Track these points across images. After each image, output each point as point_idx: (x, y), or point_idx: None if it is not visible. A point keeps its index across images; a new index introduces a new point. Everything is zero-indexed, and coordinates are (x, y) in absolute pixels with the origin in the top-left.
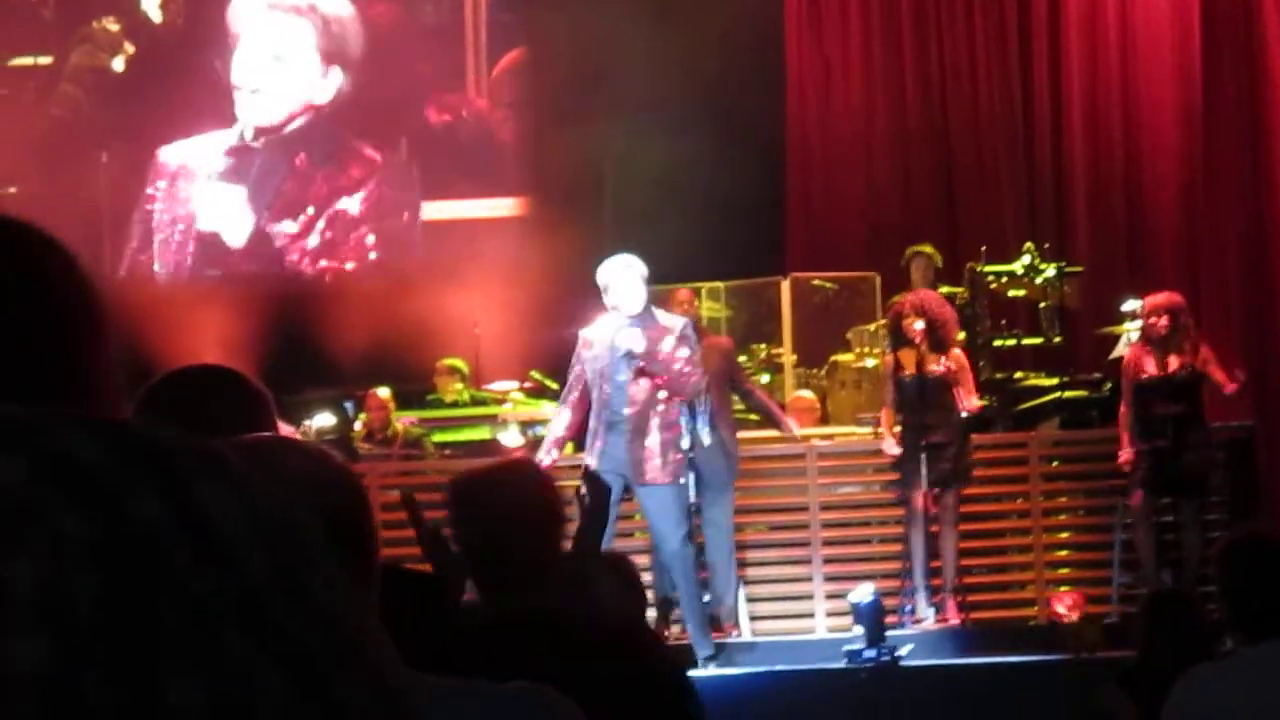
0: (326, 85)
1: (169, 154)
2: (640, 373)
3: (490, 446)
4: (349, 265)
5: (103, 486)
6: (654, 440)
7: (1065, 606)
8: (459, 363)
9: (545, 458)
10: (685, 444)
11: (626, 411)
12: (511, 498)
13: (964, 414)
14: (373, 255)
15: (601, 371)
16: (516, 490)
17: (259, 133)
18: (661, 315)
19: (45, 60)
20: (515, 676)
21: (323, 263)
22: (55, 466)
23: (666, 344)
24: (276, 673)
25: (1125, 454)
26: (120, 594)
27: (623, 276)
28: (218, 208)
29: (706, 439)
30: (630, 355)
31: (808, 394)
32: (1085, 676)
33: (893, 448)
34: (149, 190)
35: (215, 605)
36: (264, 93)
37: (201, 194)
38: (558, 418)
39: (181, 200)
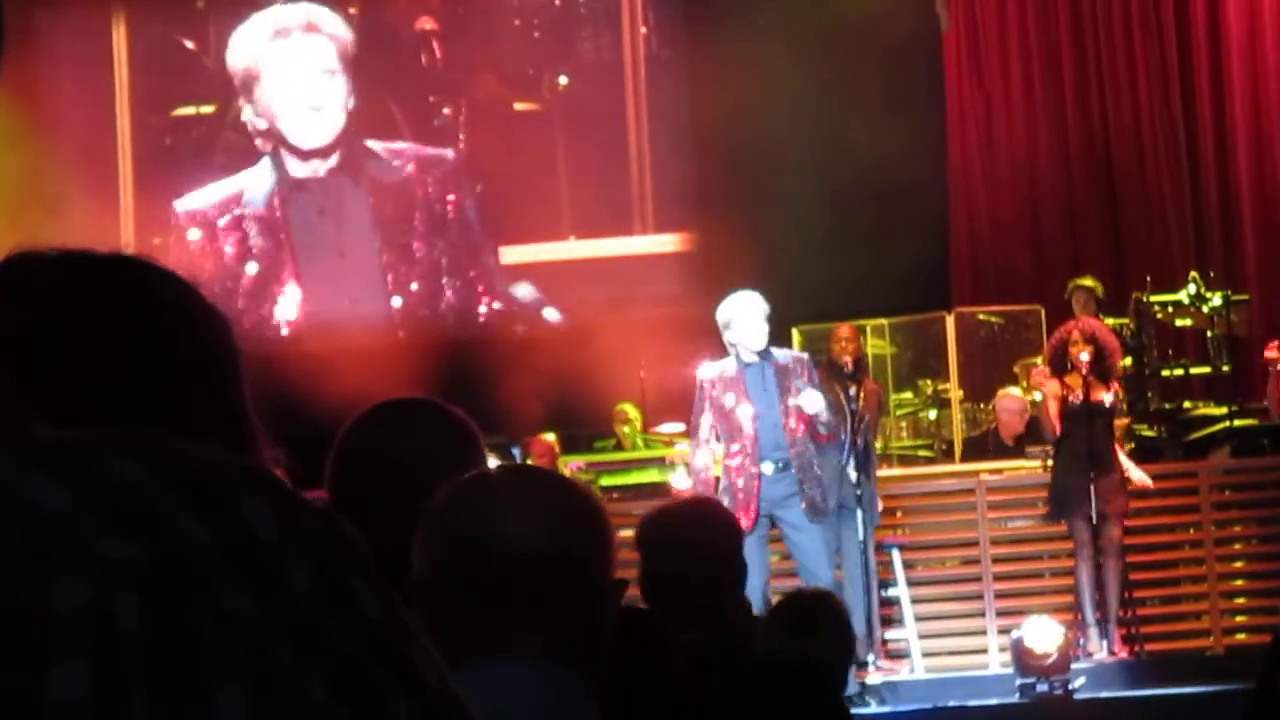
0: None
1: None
2: (806, 421)
3: (659, 489)
4: (496, 306)
5: (146, 509)
6: (809, 479)
7: None
8: (632, 408)
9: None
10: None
11: (789, 453)
12: (699, 534)
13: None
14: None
15: (734, 411)
16: (704, 527)
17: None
18: (782, 352)
19: (208, 109)
20: (703, 707)
21: (482, 307)
22: (99, 491)
23: (799, 381)
24: (326, 688)
25: None
26: (165, 615)
27: (745, 312)
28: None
29: (855, 478)
30: (817, 419)
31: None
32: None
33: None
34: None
35: (262, 623)
36: (325, 109)
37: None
38: (700, 456)
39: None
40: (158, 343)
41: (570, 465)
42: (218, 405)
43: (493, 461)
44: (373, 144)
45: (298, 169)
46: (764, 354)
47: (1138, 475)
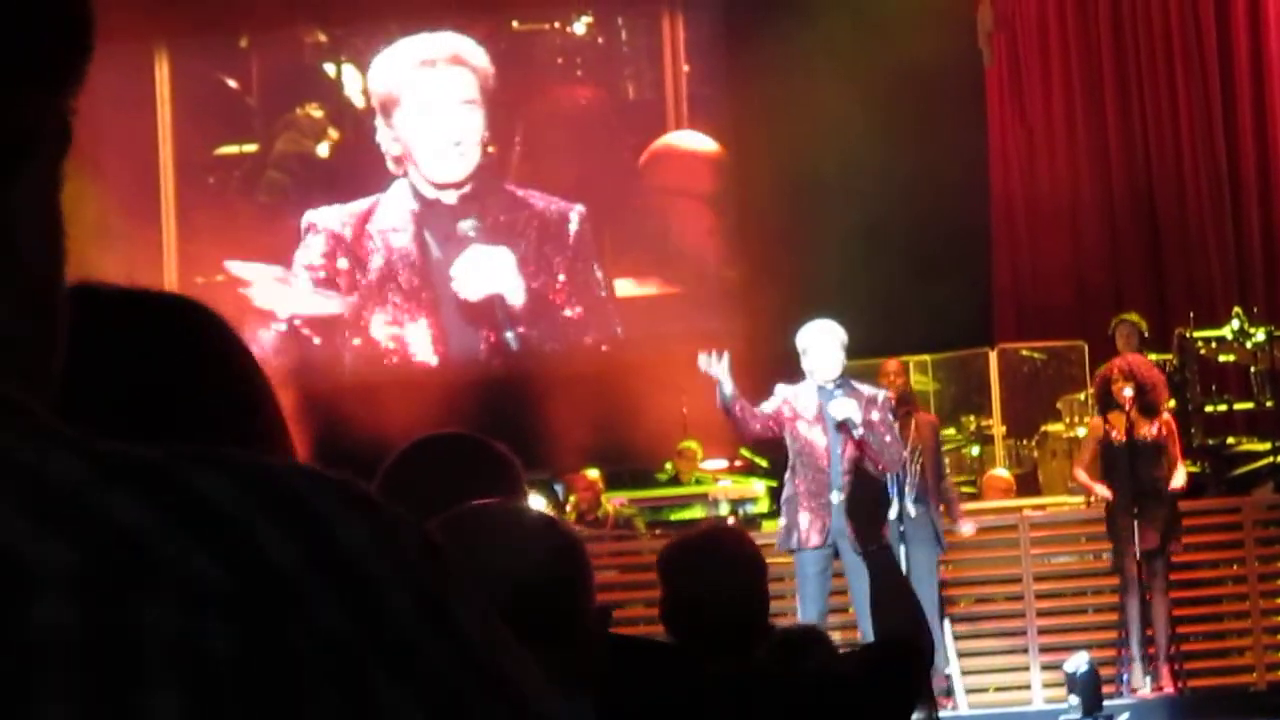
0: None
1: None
2: (853, 442)
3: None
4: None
5: (236, 528)
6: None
7: None
8: (694, 444)
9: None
10: (893, 514)
11: (843, 480)
12: (723, 562)
13: (1174, 488)
14: (577, 331)
15: (810, 439)
16: (727, 554)
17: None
18: (859, 384)
19: (251, 148)
20: None
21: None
22: (187, 508)
23: (873, 414)
24: (425, 713)
25: None
26: (257, 640)
27: (822, 340)
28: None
29: (913, 511)
30: (849, 425)
31: (1004, 473)
32: None
33: (1104, 490)
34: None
35: (359, 647)
36: (464, 144)
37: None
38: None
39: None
40: (216, 382)
41: (614, 501)
42: (269, 446)
43: (531, 499)
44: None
45: (428, 195)
46: (841, 383)
47: (1178, 479)
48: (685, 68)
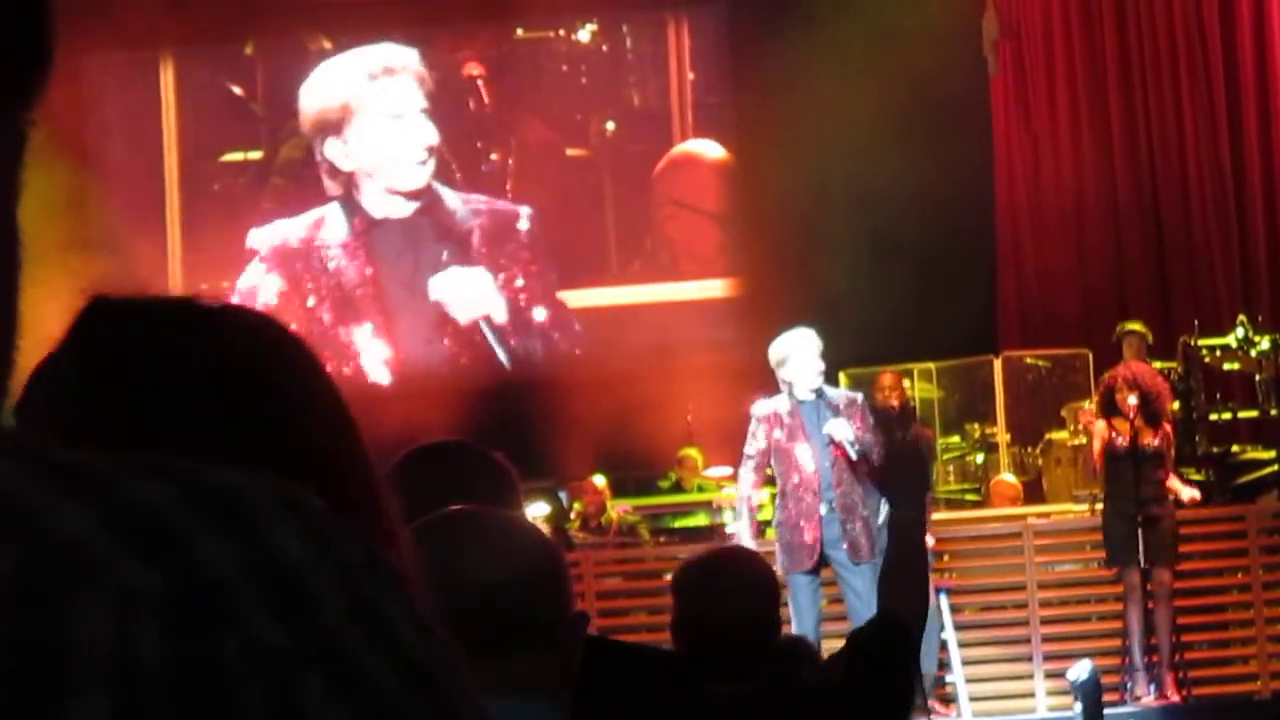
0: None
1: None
2: (843, 453)
3: (707, 532)
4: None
5: (172, 534)
6: (859, 519)
7: None
8: (695, 451)
9: (745, 530)
10: (881, 518)
11: (834, 493)
12: (736, 584)
13: (1181, 500)
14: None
15: (796, 456)
16: (741, 577)
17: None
18: (835, 391)
19: (256, 155)
20: None
21: (531, 347)
22: (126, 516)
23: (859, 422)
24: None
25: None
26: (188, 645)
27: (801, 349)
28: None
29: None
30: (845, 445)
31: (1011, 479)
32: None
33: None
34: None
35: (293, 655)
36: (424, 152)
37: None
38: (750, 486)
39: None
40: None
41: (619, 509)
42: (311, 456)
43: (536, 506)
44: (443, 189)
45: (378, 209)
46: (819, 393)
47: (1188, 493)
48: (691, 76)
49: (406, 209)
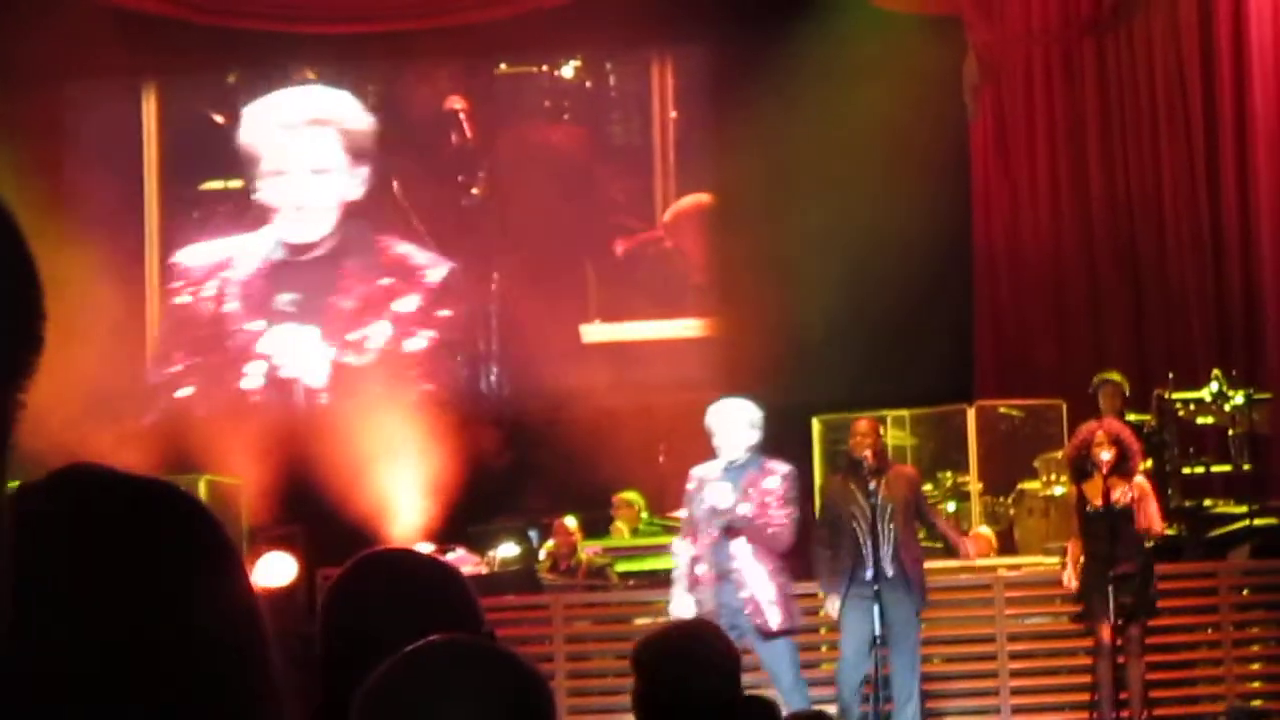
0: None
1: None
2: (727, 528)
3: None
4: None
5: (21, 550)
6: (761, 590)
7: None
8: (635, 495)
9: (681, 601)
10: (869, 575)
11: (732, 564)
12: (696, 660)
13: (1151, 538)
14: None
15: (706, 518)
16: (700, 653)
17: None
18: (770, 463)
19: (236, 183)
20: None
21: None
22: None
23: (756, 495)
24: None
25: None
26: (12, 660)
27: (728, 420)
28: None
29: (890, 570)
30: (714, 510)
31: (985, 530)
32: None
33: (1071, 581)
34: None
35: (110, 667)
36: (308, 207)
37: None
38: (686, 556)
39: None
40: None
41: (588, 550)
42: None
43: (506, 546)
44: (383, 238)
45: (285, 252)
46: (750, 462)
47: (1158, 526)
48: (673, 114)
49: (308, 256)
